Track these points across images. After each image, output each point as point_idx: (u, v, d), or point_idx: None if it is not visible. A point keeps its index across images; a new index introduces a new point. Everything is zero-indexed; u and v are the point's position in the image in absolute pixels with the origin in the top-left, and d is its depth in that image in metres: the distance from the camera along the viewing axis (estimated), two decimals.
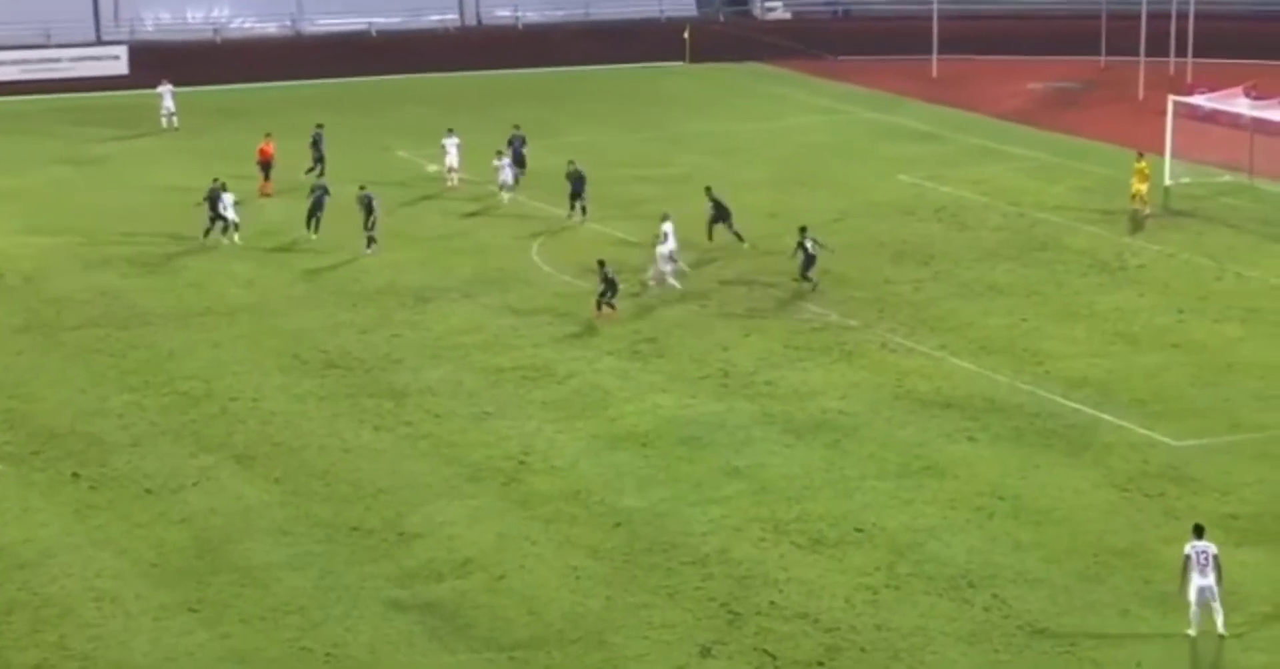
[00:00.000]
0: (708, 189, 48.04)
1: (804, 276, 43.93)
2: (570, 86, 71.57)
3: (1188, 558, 26.71)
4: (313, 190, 49.30)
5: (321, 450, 34.80)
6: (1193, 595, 26.67)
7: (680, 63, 75.28)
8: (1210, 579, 26.53)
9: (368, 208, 47.42)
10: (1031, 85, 70.59)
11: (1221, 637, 26.76)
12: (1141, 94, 66.20)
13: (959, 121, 64.12)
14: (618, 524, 31.40)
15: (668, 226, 44.36)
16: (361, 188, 48.30)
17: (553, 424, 35.91)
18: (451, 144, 53.55)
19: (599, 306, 41.87)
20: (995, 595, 28.64)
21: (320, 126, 55.53)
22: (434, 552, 30.41)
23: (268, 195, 52.72)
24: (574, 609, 28.42)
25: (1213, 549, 26.65)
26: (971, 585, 28.97)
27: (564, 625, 27.95)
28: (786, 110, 66.50)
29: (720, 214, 47.37)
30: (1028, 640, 27.33)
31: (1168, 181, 53.54)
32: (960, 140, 61.14)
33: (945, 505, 31.91)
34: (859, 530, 31.00)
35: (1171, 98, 55.38)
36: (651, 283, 43.94)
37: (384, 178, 55.57)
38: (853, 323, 42.21)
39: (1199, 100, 55.86)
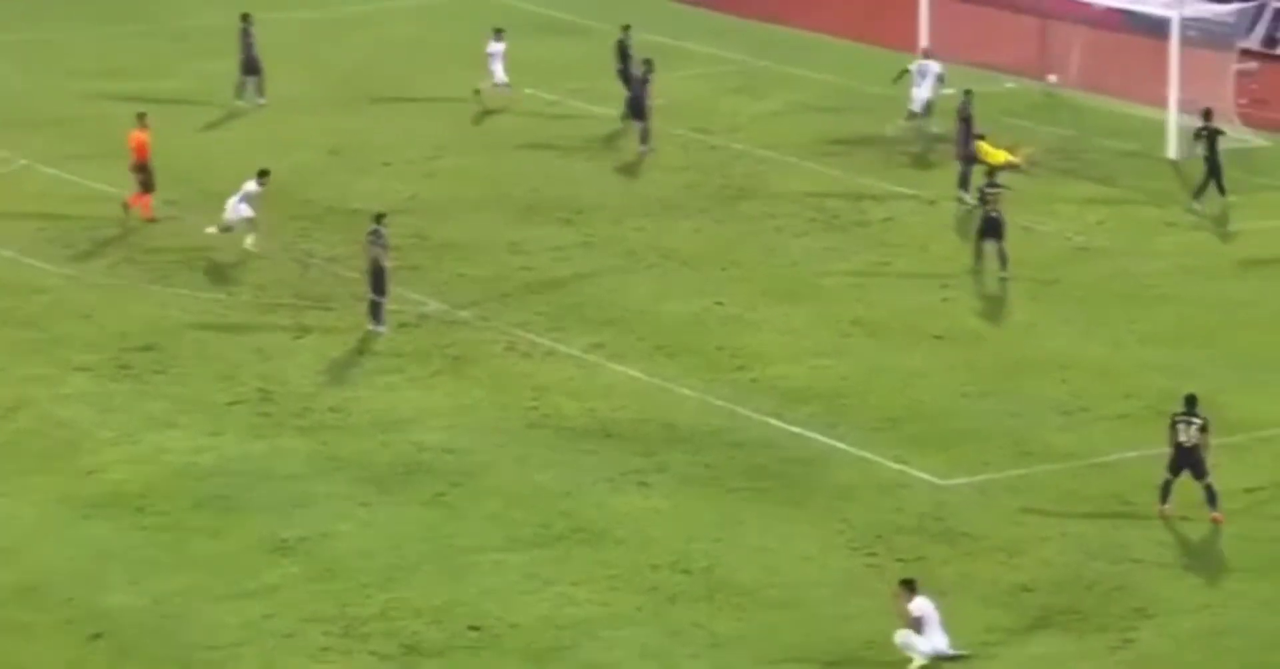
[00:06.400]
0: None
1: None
2: None
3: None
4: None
5: None
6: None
7: None
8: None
9: None
10: None
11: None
12: None
13: (615, 7, 64.98)
14: (97, 636, 31.02)
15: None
16: None
17: None
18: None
19: None
20: None
21: (626, 29, 56.03)
22: None
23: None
24: None
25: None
26: None
27: None
28: None
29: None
30: None
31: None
32: (618, 35, 61.97)
33: (605, 587, 32.33)
34: (475, 630, 31.20)
35: None
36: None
37: None
38: (463, 314, 42.49)
39: None
